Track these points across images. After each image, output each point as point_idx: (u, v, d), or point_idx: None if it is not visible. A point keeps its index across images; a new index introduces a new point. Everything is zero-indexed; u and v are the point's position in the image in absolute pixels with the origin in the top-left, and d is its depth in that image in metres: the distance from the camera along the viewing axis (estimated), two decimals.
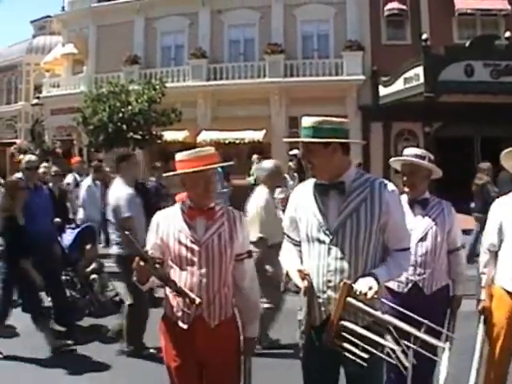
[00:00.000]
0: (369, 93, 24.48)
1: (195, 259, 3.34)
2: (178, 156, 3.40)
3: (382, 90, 23.35)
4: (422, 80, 19.09)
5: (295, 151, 16.81)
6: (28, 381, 5.78)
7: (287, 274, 3.40)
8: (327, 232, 3.20)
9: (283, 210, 9.17)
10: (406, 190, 4.35)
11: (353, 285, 3.03)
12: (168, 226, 3.42)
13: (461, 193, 18.57)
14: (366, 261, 3.18)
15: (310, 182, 3.39)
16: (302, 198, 3.38)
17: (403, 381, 4.32)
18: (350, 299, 3.01)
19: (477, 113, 19.78)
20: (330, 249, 3.19)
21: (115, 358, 6.37)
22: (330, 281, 3.18)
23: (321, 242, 3.23)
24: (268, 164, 6.73)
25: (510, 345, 4.31)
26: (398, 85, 21.39)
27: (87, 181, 11.32)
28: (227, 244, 3.39)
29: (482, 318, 4.52)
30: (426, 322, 2.88)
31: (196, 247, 3.34)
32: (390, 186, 3.23)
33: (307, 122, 3.20)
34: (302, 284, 3.14)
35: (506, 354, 4.35)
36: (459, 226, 4.49)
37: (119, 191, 6.40)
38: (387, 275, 3.20)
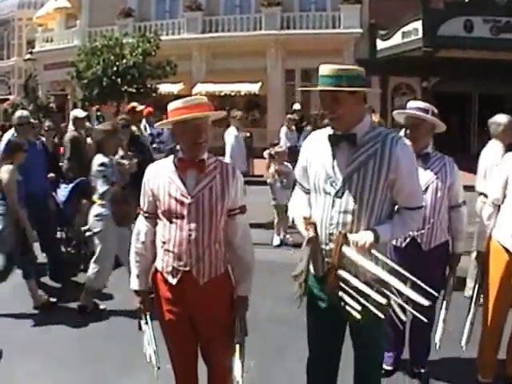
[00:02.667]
0: (366, 46, 24.20)
1: (184, 213, 3.25)
2: (170, 105, 3.30)
3: (380, 44, 23.09)
4: (420, 34, 18.85)
5: (298, 105, 16.73)
6: (20, 336, 5.77)
7: (293, 222, 3.31)
8: (333, 184, 3.12)
9: (280, 163, 9.19)
10: (409, 143, 4.28)
11: (348, 234, 2.99)
12: (159, 179, 3.33)
13: (458, 148, 18.62)
14: (369, 216, 3.09)
15: (323, 132, 3.29)
16: (314, 147, 3.29)
17: (400, 335, 4.40)
18: (344, 248, 2.97)
19: (475, 69, 19.57)
20: (334, 201, 3.11)
21: (107, 313, 6.39)
22: (332, 234, 3.10)
23: (326, 193, 3.14)
24: (503, 118, 6.32)
25: (506, 301, 4.30)
26: (396, 39, 21.15)
27: (233, 130, 10.82)
28: (218, 198, 3.29)
29: (479, 272, 4.52)
30: (413, 278, 2.81)
31: (186, 200, 3.25)
32: (403, 142, 3.12)
33: (328, 69, 3.04)
34: (307, 234, 3.08)
35: (501, 309, 4.34)
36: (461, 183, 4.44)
37: None
38: (390, 232, 3.11)
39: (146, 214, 3.45)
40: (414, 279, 2.80)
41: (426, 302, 2.66)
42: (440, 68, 19.70)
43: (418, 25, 18.97)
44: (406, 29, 20.15)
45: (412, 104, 4.37)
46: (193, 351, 3.54)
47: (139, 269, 3.52)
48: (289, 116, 15.60)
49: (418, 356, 4.78)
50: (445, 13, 18.52)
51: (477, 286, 4.52)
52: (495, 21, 18.12)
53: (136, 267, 3.53)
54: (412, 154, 3.22)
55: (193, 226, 3.25)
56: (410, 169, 3.14)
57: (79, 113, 9.55)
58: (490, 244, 4.36)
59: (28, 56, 32.23)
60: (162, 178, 3.33)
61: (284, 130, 14.70)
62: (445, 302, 4.52)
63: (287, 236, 9.40)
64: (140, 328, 3.58)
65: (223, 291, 3.45)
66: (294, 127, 15.21)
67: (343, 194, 3.10)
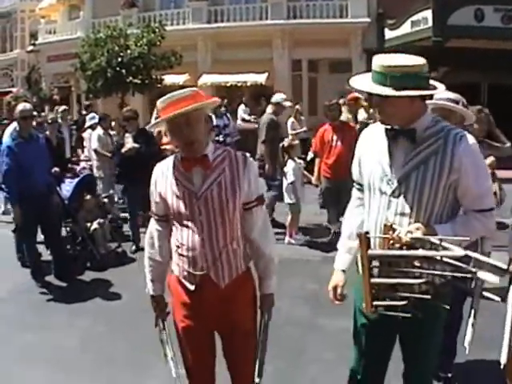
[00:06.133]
0: (374, 36, 23.84)
1: (194, 214, 3.01)
2: (158, 103, 3.01)
3: (388, 33, 22.78)
4: (430, 24, 18.61)
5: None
6: (28, 339, 5.56)
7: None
8: (390, 182, 2.87)
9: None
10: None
11: (393, 226, 2.74)
12: (166, 180, 3.10)
13: None
14: (428, 219, 2.81)
15: (379, 126, 3.02)
16: (369, 142, 3.04)
17: None
18: (370, 251, 2.72)
19: (485, 59, 19.25)
20: (390, 201, 2.87)
21: (115, 313, 6.17)
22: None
23: (382, 192, 2.90)
24: None
25: None
26: (405, 28, 20.86)
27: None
28: (229, 193, 3.02)
29: None
30: (479, 256, 2.52)
31: (194, 200, 3.01)
32: (468, 139, 2.79)
33: (378, 64, 2.74)
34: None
35: None
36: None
37: None
38: (451, 231, 2.76)
39: (157, 217, 3.23)
40: (481, 257, 2.51)
41: (495, 279, 2.42)
42: (449, 58, 19.43)
43: (428, 14, 18.69)
44: (415, 18, 19.87)
45: (441, 94, 4.07)
46: (210, 360, 3.31)
47: (153, 273, 3.34)
48: (297, 107, 15.33)
49: (443, 360, 4.54)
50: (455, 1, 18.25)
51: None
52: (506, 10, 17.89)
53: (150, 272, 3.34)
54: (478, 151, 2.86)
55: (205, 227, 3.02)
56: (476, 168, 2.81)
57: (281, 98, 9.78)
58: None
59: (31, 48, 32.18)
60: (168, 179, 3.10)
61: (291, 120, 14.50)
62: (473, 310, 4.28)
63: (297, 236, 8.99)
64: (157, 325, 3.41)
65: (246, 292, 3.23)
66: (302, 117, 15.06)
67: (400, 193, 2.84)
